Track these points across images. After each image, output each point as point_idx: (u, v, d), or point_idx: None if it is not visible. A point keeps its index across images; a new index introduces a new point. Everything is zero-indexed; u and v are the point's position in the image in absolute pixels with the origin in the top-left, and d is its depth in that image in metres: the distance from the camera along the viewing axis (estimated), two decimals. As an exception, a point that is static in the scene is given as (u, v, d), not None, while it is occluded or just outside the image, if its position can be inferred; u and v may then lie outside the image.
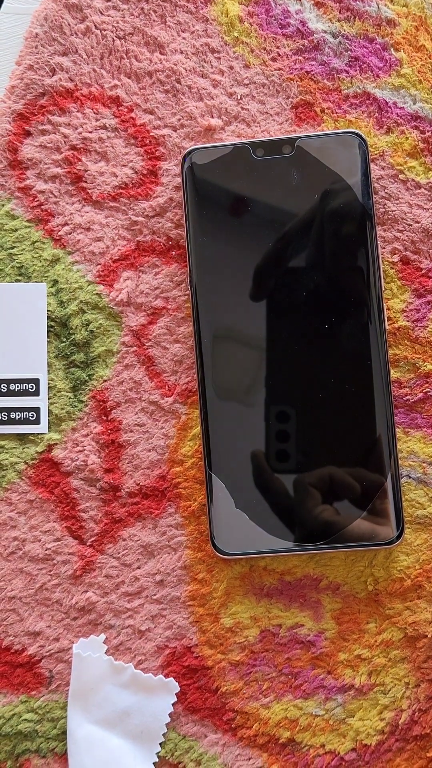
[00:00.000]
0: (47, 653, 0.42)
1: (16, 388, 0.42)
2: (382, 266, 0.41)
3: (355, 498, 0.40)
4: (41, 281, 0.43)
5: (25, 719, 0.41)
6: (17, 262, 0.43)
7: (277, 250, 0.41)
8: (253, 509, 0.40)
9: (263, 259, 0.41)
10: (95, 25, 0.43)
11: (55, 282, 0.43)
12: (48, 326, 0.43)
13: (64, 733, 0.41)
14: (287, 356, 0.40)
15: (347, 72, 0.42)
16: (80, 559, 0.42)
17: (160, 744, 0.41)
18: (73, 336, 0.42)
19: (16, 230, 0.43)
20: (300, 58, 0.43)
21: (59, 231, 0.43)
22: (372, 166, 0.42)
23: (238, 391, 0.41)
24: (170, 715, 0.41)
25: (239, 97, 0.43)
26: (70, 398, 0.42)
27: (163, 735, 0.41)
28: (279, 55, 0.43)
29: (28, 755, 0.41)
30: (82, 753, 0.40)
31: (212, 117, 0.43)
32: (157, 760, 0.41)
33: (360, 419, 0.40)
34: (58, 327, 0.43)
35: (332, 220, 0.41)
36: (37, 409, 0.42)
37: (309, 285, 0.40)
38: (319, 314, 0.40)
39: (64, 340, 0.43)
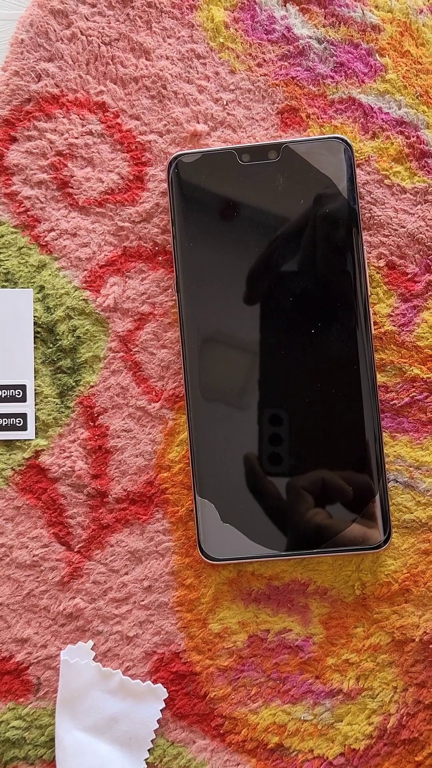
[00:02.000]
0: (35, 660, 0.42)
1: (3, 395, 0.42)
2: (368, 271, 0.41)
3: (347, 502, 0.40)
4: (28, 287, 0.43)
5: (13, 726, 0.41)
6: (3, 268, 0.43)
7: (263, 254, 0.41)
8: (240, 520, 0.40)
9: (250, 263, 0.41)
10: (81, 31, 0.43)
11: (42, 288, 0.43)
12: (35, 332, 0.42)
13: (53, 740, 0.41)
14: (274, 361, 0.40)
15: (332, 77, 0.43)
16: (68, 566, 0.42)
17: (149, 750, 0.41)
18: (59, 342, 0.42)
19: (2, 236, 0.43)
20: (285, 63, 0.43)
21: (45, 237, 0.43)
22: (358, 171, 0.42)
23: (224, 396, 0.41)
24: (158, 721, 0.41)
25: (225, 103, 0.43)
26: (57, 404, 0.42)
27: (152, 741, 0.41)
28: (264, 60, 0.43)
29: (16, 762, 0.41)
30: (70, 760, 0.40)
31: (198, 122, 0.43)
32: (145, 766, 0.41)
33: (347, 424, 0.40)
34: (44, 333, 0.43)
35: (318, 225, 0.41)
36: (23, 415, 0.42)
37: (295, 290, 0.40)
38: (305, 319, 0.40)
39: (51, 345, 0.42)
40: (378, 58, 0.42)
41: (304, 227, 0.41)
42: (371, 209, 0.42)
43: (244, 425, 0.40)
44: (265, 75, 0.43)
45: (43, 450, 0.42)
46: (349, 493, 0.40)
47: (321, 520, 0.40)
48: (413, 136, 0.42)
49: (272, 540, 0.40)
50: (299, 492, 0.40)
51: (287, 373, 0.40)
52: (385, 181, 0.42)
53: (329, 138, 0.41)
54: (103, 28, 0.43)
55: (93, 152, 0.43)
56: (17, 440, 0.42)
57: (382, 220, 0.42)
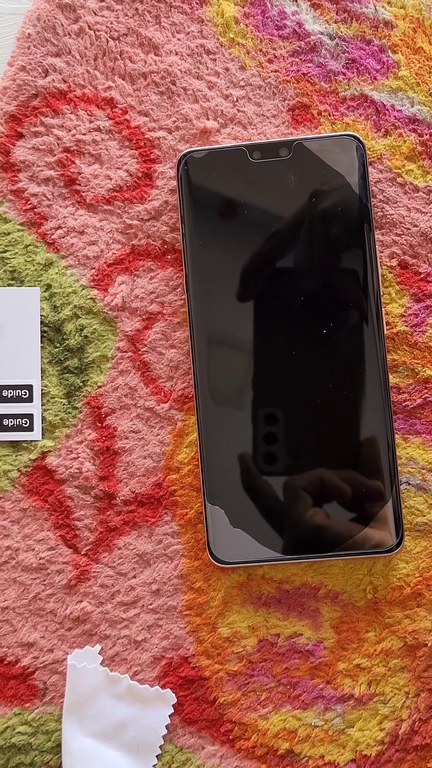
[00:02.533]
0: (41, 664, 0.41)
1: (9, 395, 0.41)
2: (380, 270, 0.41)
3: (360, 505, 0.39)
4: (34, 285, 0.42)
5: (19, 732, 0.41)
6: (10, 266, 0.42)
7: (273, 253, 0.40)
8: (250, 524, 0.39)
9: (260, 261, 0.40)
10: (89, 26, 0.42)
11: (49, 286, 0.42)
12: (41, 331, 0.42)
13: (59, 745, 0.40)
14: (286, 360, 0.40)
15: (344, 74, 0.42)
16: (75, 569, 0.41)
17: (157, 756, 0.40)
18: (66, 341, 0.42)
19: (9, 234, 0.42)
20: (297, 59, 0.42)
21: (53, 234, 0.42)
22: (370, 169, 0.41)
23: (234, 397, 0.40)
24: (167, 726, 0.40)
25: (235, 99, 0.42)
26: (63, 404, 0.42)
27: (160, 747, 0.40)
28: (275, 56, 0.42)
29: (22, 769, 0.41)
30: (77, 766, 0.39)
31: (208, 119, 0.42)
32: (153, 772, 0.40)
33: (360, 426, 0.39)
34: (51, 332, 0.42)
35: (330, 223, 0.40)
36: (30, 416, 0.41)
37: (307, 289, 0.40)
38: (317, 318, 0.40)
39: (58, 345, 0.42)
40: (390, 54, 0.42)
41: (315, 225, 0.40)
42: (383, 208, 0.41)
43: (255, 426, 0.40)
44: (275, 71, 0.42)
45: (50, 451, 0.41)
46: (363, 497, 0.39)
47: (335, 525, 0.39)
48: (426, 134, 0.41)
49: (282, 544, 0.39)
50: (308, 495, 0.39)
51: (300, 374, 0.40)
52: (398, 179, 0.41)
53: (341, 135, 0.41)
54: (112, 23, 0.42)
55: (101, 149, 0.42)
56: (23, 441, 0.42)
57: (394, 219, 0.41)
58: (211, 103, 0.42)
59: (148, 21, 0.42)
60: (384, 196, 0.41)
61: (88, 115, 0.42)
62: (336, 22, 0.42)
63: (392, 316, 0.41)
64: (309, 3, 0.42)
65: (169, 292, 0.42)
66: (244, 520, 0.39)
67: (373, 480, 0.39)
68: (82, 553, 0.41)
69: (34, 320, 0.42)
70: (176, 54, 0.42)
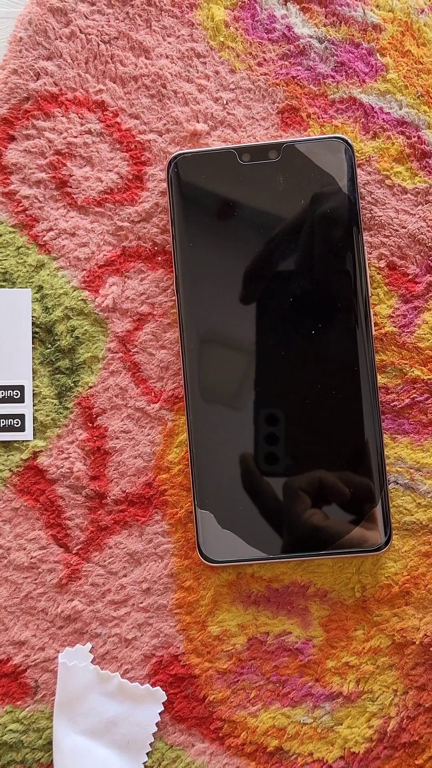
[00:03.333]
0: (32, 663, 0.41)
1: (1, 395, 0.42)
2: (368, 271, 0.41)
3: (349, 505, 0.39)
4: (26, 287, 0.42)
5: (10, 730, 0.41)
6: (1, 268, 0.42)
7: (263, 254, 0.40)
8: (240, 525, 0.40)
9: (251, 262, 0.40)
10: (80, 30, 0.43)
11: (40, 288, 0.42)
12: (33, 332, 0.42)
13: (50, 743, 0.41)
14: (273, 361, 0.40)
15: (333, 77, 0.42)
16: (66, 568, 0.41)
17: (147, 754, 0.40)
18: (58, 342, 0.42)
19: (1, 235, 0.42)
20: (286, 63, 0.42)
21: (44, 236, 0.42)
22: (358, 171, 0.42)
23: (224, 397, 0.40)
24: (157, 724, 0.40)
25: (225, 102, 0.42)
26: (55, 405, 0.42)
27: (150, 745, 0.40)
28: (265, 60, 0.42)
29: (14, 766, 0.41)
30: (68, 763, 0.40)
31: (198, 122, 0.42)
32: (144, 770, 0.40)
33: (347, 425, 0.40)
34: (43, 333, 0.42)
35: (319, 225, 0.40)
36: (21, 416, 0.42)
37: (296, 290, 0.40)
38: (305, 319, 0.40)
39: (49, 346, 0.42)
40: (379, 57, 0.42)
41: (304, 227, 0.40)
42: (372, 209, 0.42)
43: (244, 426, 0.40)
44: (265, 74, 0.42)
45: (42, 451, 0.42)
46: (352, 496, 0.39)
47: (322, 524, 0.39)
48: (414, 137, 0.42)
49: (271, 544, 0.40)
50: (299, 494, 0.40)
51: (288, 375, 0.40)
52: (386, 181, 0.42)
53: (330, 138, 0.41)
54: (102, 27, 0.43)
55: (92, 151, 0.43)
56: (15, 441, 0.42)
57: (383, 221, 0.42)
58: (201, 106, 0.42)
59: (139, 25, 0.43)
60: (372, 198, 0.42)
61: (79, 118, 0.43)
62: (325, 26, 0.42)
63: (380, 317, 0.41)
64: (298, 6, 0.43)
65: (159, 294, 0.42)
66: (234, 522, 0.40)
67: (362, 479, 0.40)
68: (73, 552, 0.41)
69: (25, 321, 0.42)
70: (167, 57, 0.43)
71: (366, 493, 0.40)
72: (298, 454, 0.40)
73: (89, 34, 0.43)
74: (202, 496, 0.40)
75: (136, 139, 0.43)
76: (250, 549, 0.40)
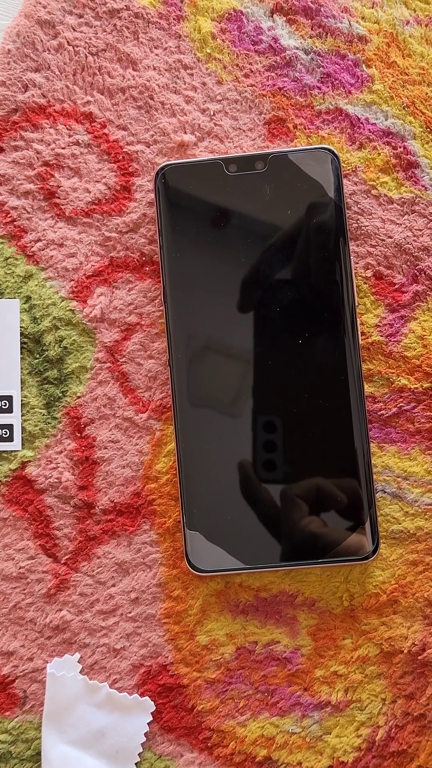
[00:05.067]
0: (21, 673, 0.41)
1: (-11, 405, 0.42)
2: (355, 281, 0.41)
3: (338, 514, 0.40)
4: (14, 297, 0.42)
5: (-1, 740, 0.41)
6: (-10, 279, 0.42)
7: (250, 264, 0.41)
8: (227, 540, 0.40)
9: (237, 273, 0.41)
10: (68, 42, 0.43)
11: (28, 298, 0.42)
12: (21, 342, 0.42)
13: (39, 754, 0.41)
14: (261, 370, 0.40)
15: (319, 88, 0.43)
16: (54, 578, 0.41)
17: (136, 764, 0.40)
18: (46, 352, 0.42)
19: (-11, 246, 0.43)
20: (272, 74, 0.43)
21: (32, 247, 0.43)
22: (345, 181, 0.42)
23: (212, 406, 0.40)
24: (146, 734, 0.40)
25: (212, 113, 0.43)
26: (43, 415, 0.42)
27: (139, 755, 0.40)
28: (251, 71, 0.43)
29: (2, 777, 0.41)
30: (56, 774, 0.40)
31: (185, 133, 0.43)
32: (132, 780, 0.40)
33: (335, 434, 0.40)
34: (31, 343, 0.42)
35: (305, 235, 0.41)
36: (10, 426, 0.42)
37: (282, 299, 0.40)
38: (292, 328, 0.40)
39: (38, 356, 0.42)
40: (365, 68, 0.43)
41: (291, 237, 0.41)
42: (358, 219, 0.42)
43: (232, 435, 0.40)
44: (252, 86, 0.43)
45: (30, 461, 0.42)
46: (341, 502, 0.39)
47: (313, 534, 0.39)
48: (400, 147, 0.42)
49: (259, 555, 0.40)
50: (294, 501, 0.40)
51: (275, 383, 0.40)
52: (372, 191, 0.42)
53: (316, 148, 0.41)
54: (90, 39, 0.43)
55: (80, 162, 0.43)
56: (3, 451, 0.42)
57: (369, 231, 0.42)
58: (189, 117, 0.43)
59: (126, 37, 0.43)
60: (359, 208, 0.42)
61: (67, 129, 0.43)
62: (311, 37, 0.43)
63: (367, 326, 0.42)
64: (284, 18, 0.43)
65: (147, 304, 0.42)
66: (221, 537, 0.40)
67: (350, 489, 0.40)
68: (62, 562, 0.42)
69: (13, 331, 0.42)
70: (154, 69, 0.43)
71: (354, 503, 0.40)
72: (291, 462, 0.40)
73: (77, 46, 0.43)
74: (190, 515, 0.40)
75: (124, 150, 0.43)
76: (237, 562, 0.40)
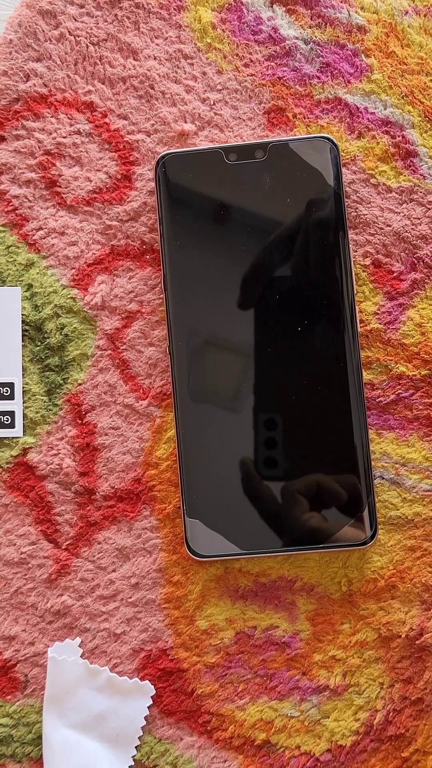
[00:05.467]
0: (22, 657, 0.42)
1: (-9, 392, 0.42)
2: (354, 269, 0.42)
3: (338, 503, 0.40)
4: (16, 285, 0.43)
5: (0, 724, 0.41)
6: (-9, 267, 0.43)
7: (249, 252, 0.41)
8: (227, 527, 0.40)
9: (237, 261, 0.41)
10: (69, 32, 0.43)
11: (30, 286, 0.43)
12: (22, 330, 0.43)
13: (40, 737, 0.41)
14: (260, 360, 0.41)
15: (319, 78, 0.43)
16: (55, 563, 0.42)
17: (136, 747, 0.41)
18: (47, 340, 0.43)
19: (-9, 235, 0.43)
20: (272, 64, 0.43)
21: (34, 235, 0.43)
22: (344, 170, 0.42)
23: (211, 396, 0.41)
24: (146, 718, 0.41)
25: (212, 103, 0.43)
26: (44, 402, 0.42)
27: (139, 738, 0.41)
28: (251, 61, 0.43)
29: (3, 760, 0.41)
30: (57, 757, 0.40)
31: (185, 122, 0.43)
32: (133, 763, 0.41)
33: (335, 423, 0.40)
34: (32, 331, 0.43)
35: (305, 223, 0.41)
36: (11, 413, 0.42)
37: (282, 287, 0.41)
38: (291, 317, 0.41)
39: (39, 344, 0.43)
40: (364, 58, 0.43)
41: (290, 226, 0.41)
42: (357, 208, 0.42)
43: (232, 424, 0.40)
44: (251, 75, 0.43)
45: (31, 447, 0.42)
46: (342, 495, 0.40)
47: (313, 522, 0.40)
48: (399, 136, 0.42)
49: (259, 541, 0.40)
50: (294, 495, 0.40)
51: (273, 372, 0.40)
52: (371, 180, 0.42)
53: (316, 137, 0.42)
54: (91, 29, 0.43)
55: (81, 151, 0.43)
56: (5, 438, 0.42)
57: (368, 219, 0.42)
58: (189, 107, 0.43)
59: (127, 27, 0.43)
60: (358, 197, 0.42)
61: (68, 118, 0.43)
62: (310, 27, 0.43)
63: (366, 314, 0.42)
64: (284, 8, 0.43)
65: (147, 292, 0.43)
66: (221, 524, 0.40)
67: (349, 475, 0.40)
68: (63, 547, 0.42)
69: (15, 319, 0.43)
70: (155, 59, 0.43)
71: (353, 491, 0.40)
72: (292, 456, 0.40)
73: (78, 36, 0.43)
74: (190, 502, 0.40)
75: (125, 139, 0.43)
76: (237, 547, 0.40)
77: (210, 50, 0.43)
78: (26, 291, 0.43)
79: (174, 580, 0.41)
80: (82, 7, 0.43)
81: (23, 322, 0.43)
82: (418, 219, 0.42)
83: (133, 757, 0.41)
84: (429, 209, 0.42)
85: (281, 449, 0.40)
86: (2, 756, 0.41)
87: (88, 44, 0.43)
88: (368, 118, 0.43)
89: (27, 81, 0.43)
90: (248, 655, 0.41)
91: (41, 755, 0.41)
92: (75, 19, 0.43)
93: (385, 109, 0.43)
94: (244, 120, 0.43)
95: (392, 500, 0.41)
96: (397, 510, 0.41)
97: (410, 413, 0.41)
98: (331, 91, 0.43)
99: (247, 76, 0.43)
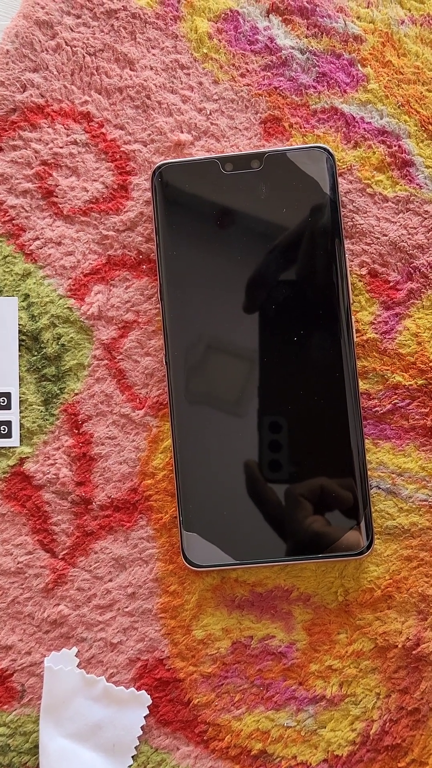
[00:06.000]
0: (19, 667, 0.42)
1: (-12, 402, 0.42)
2: (350, 279, 0.42)
3: (335, 510, 0.40)
4: (12, 295, 0.43)
5: (-3, 733, 0.41)
6: (-12, 277, 0.43)
7: (246, 262, 0.41)
8: (222, 538, 0.40)
9: (233, 271, 0.41)
10: (66, 42, 0.43)
11: (27, 296, 0.43)
12: (19, 340, 0.43)
13: (37, 747, 0.41)
14: (259, 368, 0.41)
15: (315, 87, 0.43)
16: (52, 573, 0.42)
17: (132, 757, 0.41)
18: (44, 350, 0.43)
19: (-12, 245, 0.43)
20: (268, 74, 0.43)
21: (30, 245, 0.43)
22: (340, 180, 0.42)
23: (208, 404, 0.41)
24: (142, 728, 0.41)
25: (208, 113, 0.43)
26: (41, 412, 0.43)
27: (136, 748, 0.41)
28: (248, 71, 0.43)
29: (0, 770, 0.41)
30: (54, 767, 0.40)
31: (182, 132, 0.43)
32: (129, 773, 0.41)
33: (332, 432, 0.40)
34: (29, 341, 0.43)
35: (301, 233, 0.41)
36: (8, 423, 0.42)
37: (279, 297, 0.41)
38: (287, 325, 0.41)
39: (36, 353, 0.43)
40: (360, 68, 0.43)
41: (286, 236, 0.41)
42: (353, 218, 0.42)
43: (229, 433, 0.40)
44: (248, 85, 0.43)
45: (28, 457, 0.42)
46: (348, 498, 0.40)
47: (319, 529, 0.40)
48: (395, 146, 0.42)
49: (255, 551, 0.40)
50: (299, 500, 0.40)
51: (272, 381, 0.41)
52: (367, 189, 0.42)
53: (311, 147, 0.42)
54: (88, 39, 0.43)
55: (78, 162, 0.43)
56: (2, 447, 0.42)
57: (364, 229, 0.42)
58: (185, 117, 0.43)
59: (124, 37, 0.43)
60: (354, 206, 0.42)
61: (65, 128, 0.43)
62: (307, 37, 0.43)
63: (362, 324, 0.42)
64: (280, 18, 0.43)
65: (144, 301, 0.43)
66: (217, 535, 0.40)
67: (345, 486, 0.40)
68: (59, 557, 0.42)
69: (12, 329, 0.43)
70: (151, 69, 0.43)
71: (350, 500, 0.40)
72: (296, 462, 0.40)
73: (75, 47, 0.43)
74: (187, 513, 0.40)
75: (121, 149, 0.43)
76: (234, 557, 0.40)
77: (206, 60, 0.43)
78: (23, 301, 0.43)
79: (170, 590, 0.42)
80: (78, 17, 0.43)
81: (20, 332, 0.43)
82: (415, 228, 0.42)
83: (129, 766, 0.41)
84: (425, 219, 0.42)
85: (284, 454, 0.40)
86: (-1, 765, 0.41)
87: (85, 54, 0.43)
88: (364, 128, 0.43)
89: (24, 91, 0.43)
90: (245, 664, 0.41)
91: (38, 765, 0.41)
92: (72, 30, 0.43)
93: (381, 118, 0.43)
94: (240, 130, 0.43)
95: (389, 510, 0.41)
96: (394, 520, 0.41)
97: (406, 423, 0.41)
98: (328, 100, 0.43)
99: (244, 86, 0.43)
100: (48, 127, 0.43)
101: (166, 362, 0.41)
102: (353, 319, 0.41)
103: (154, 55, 0.43)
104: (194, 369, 0.41)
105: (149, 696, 0.41)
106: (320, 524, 0.40)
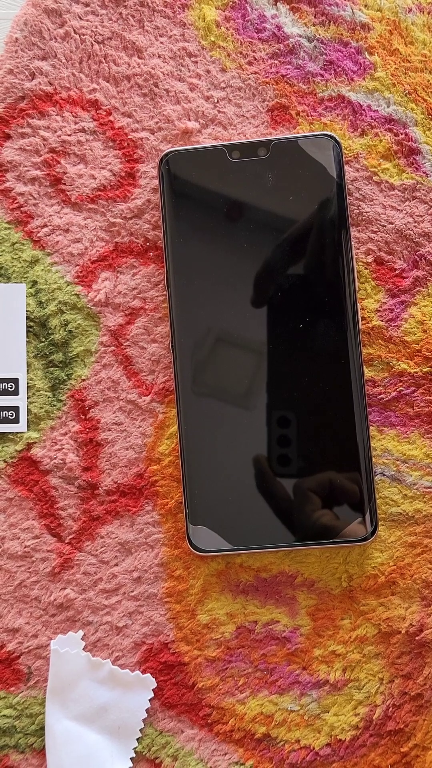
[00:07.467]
0: (26, 650, 0.42)
1: (-4, 388, 0.43)
2: (356, 267, 0.42)
3: (342, 500, 0.40)
4: (20, 282, 0.43)
5: (4, 715, 0.42)
6: (-3, 263, 0.43)
7: (252, 249, 0.41)
8: (226, 529, 0.40)
9: (239, 258, 0.41)
10: (74, 30, 0.44)
11: (35, 283, 0.43)
12: (27, 326, 0.43)
13: (43, 728, 0.42)
14: (265, 355, 0.41)
15: (322, 75, 0.43)
16: (58, 557, 0.42)
17: (137, 739, 0.41)
18: (51, 336, 0.43)
19: (-4, 232, 0.43)
20: (276, 62, 0.43)
21: (38, 232, 0.43)
22: (346, 167, 0.42)
23: (213, 391, 0.41)
24: (147, 710, 0.41)
25: (216, 101, 0.43)
26: (48, 397, 0.43)
27: (140, 730, 0.41)
28: (255, 59, 0.43)
29: (7, 750, 0.42)
30: (59, 748, 0.40)
31: (189, 120, 0.43)
32: (134, 755, 0.41)
33: (337, 418, 0.40)
34: (37, 327, 0.43)
35: (307, 221, 0.41)
36: (16, 408, 0.43)
37: (285, 285, 0.41)
38: (295, 313, 0.41)
39: (43, 340, 0.43)
40: (367, 56, 0.43)
41: (293, 223, 0.41)
42: (360, 206, 0.42)
43: (235, 421, 0.41)
44: (255, 73, 0.43)
45: (35, 442, 0.43)
46: (355, 493, 0.40)
47: (326, 520, 0.40)
48: (402, 134, 0.42)
49: (260, 537, 0.40)
50: (307, 494, 0.40)
51: (278, 368, 0.41)
52: (374, 177, 0.42)
53: (318, 135, 0.42)
54: (96, 27, 0.44)
55: (85, 149, 0.43)
56: (9, 433, 0.43)
57: (370, 217, 0.42)
58: (193, 105, 0.43)
59: (132, 25, 0.44)
60: (360, 194, 0.42)
61: (73, 116, 0.44)
62: (314, 25, 0.43)
63: (368, 311, 0.42)
64: (288, 6, 0.43)
65: (151, 288, 0.43)
66: (223, 523, 0.41)
67: (351, 475, 0.40)
68: (66, 541, 0.42)
69: (20, 316, 0.43)
70: (159, 57, 0.44)
71: (356, 492, 0.40)
72: (305, 454, 0.40)
73: (83, 35, 0.44)
74: (192, 499, 0.41)
75: (129, 137, 0.43)
76: (239, 544, 0.41)
77: (214, 48, 0.43)
78: (31, 288, 0.43)
79: (176, 575, 0.42)
80: (87, 5, 0.44)
81: (28, 318, 0.43)
82: (421, 216, 0.42)
83: (134, 749, 0.41)
84: (431, 207, 0.42)
85: (293, 447, 0.40)
86: (6, 746, 0.42)
87: (93, 42, 0.44)
88: (371, 116, 0.43)
89: (32, 79, 0.44)
90: (249, 649, 0.41)
91: (44, 746, 0.41)
92: (80, 18, 0.44)
93: (388, 106, 0.43)
94: (247, 118, 0.43)
95: (393, 497, 0.41)
96: (398, 506, 0.41)
97: (411, 410, 0.42)
98: (335, 88, 0.43)
99: (251, 74, 0.43)
100: (56, 114, 0.44)
101: (172, 349, 0.42)
102: (359, 307, 0.42)
103: (162, 43, 0.44)
104: (200, 356, 0.41)
105: (154, 679, 0.41)
106: (328, 518, 0.40)
